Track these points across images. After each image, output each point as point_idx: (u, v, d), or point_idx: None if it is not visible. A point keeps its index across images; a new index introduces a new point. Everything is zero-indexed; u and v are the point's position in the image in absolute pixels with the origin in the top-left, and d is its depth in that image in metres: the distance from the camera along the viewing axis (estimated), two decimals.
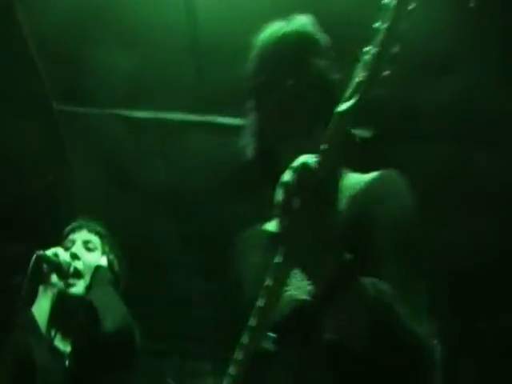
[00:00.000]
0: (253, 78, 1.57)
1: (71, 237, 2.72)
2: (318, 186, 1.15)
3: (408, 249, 1.33)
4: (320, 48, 1.56)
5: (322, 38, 1.58)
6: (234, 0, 3.06)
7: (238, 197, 3.69)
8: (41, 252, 2.48)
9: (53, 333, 2.55)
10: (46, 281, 2.53)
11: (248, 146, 1.61)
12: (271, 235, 1.53)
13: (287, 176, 1.17)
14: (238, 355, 1.28)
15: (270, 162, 1.56)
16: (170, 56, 3.29)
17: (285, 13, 3.01)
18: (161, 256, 3.71)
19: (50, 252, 2.52)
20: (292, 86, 1.48)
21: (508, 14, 2.66)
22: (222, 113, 3.50)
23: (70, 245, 2.68)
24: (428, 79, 2.89)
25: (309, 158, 1.17)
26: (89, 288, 2.57)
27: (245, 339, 1.27)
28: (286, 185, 1.16)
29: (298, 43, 1.52)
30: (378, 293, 1.18)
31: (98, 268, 2.62)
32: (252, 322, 1.26)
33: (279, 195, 1.17)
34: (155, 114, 3.55)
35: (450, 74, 2.83)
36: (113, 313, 2.45)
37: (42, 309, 2.49)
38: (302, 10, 2.96)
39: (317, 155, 1.17)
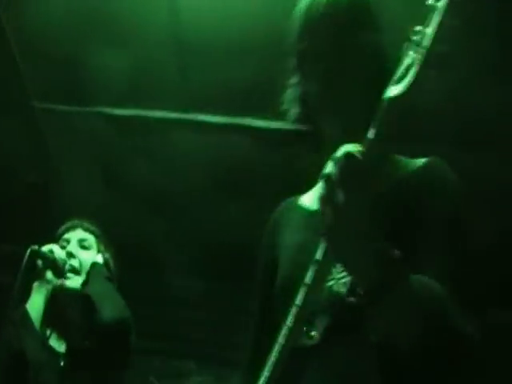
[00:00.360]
0: (299, 39, 1.43)
1: (66, 236, 2.70)
2: (364, 179, 1.05)
3: (462, 242, 1.27)
4: (373, 17, 1.43)
5: (375, 6, 1.45)
6: (217, 1, 3.06)
7: (224, 195, 3.68)
8: (35, 247, 2.46)
9: (48, 332, 2.53)
10: (40, 277, 2.51)
11: (289, 110, 1.50)
12: (308, 213, 1.43)
13: (329, 168, 1.07)
14: (275, 354, 1.21)
15: (312, 129, 1.47)
16: (153, 55, 3.28)
17: (266, 12, 3.05)
18: (147, 255, 3.69)
19: (45, 248, 2.50)
20: (343, 53, 1.35)
21: (506, 10, 2.66)
22: (205, 111, 3.49)
23: (64, 244, 2.66)
24: (427, 78, 2.86)
25: (353, 148, 1.07)
26: (85, 284, 2.56)
27: (281, 337, 1.20)
28: (329, 177, 1.06)
29: (350, 8, 1.38)
30: (426, 289, 1.12)
31: (94, 264, 2.60)
32: (289, 319, 1.18)
33: (321, 188, 1.08)
34: (139, 112, 3.53)
35: (448, 73, 2.80)
36: (111, 303, 2.45)
37: (35, 305, 2.48)
38: (285, 9, 3.01)
39: (362, 144, 1.07)
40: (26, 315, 2.44)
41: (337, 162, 1.06)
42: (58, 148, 3.66)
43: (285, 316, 1.20)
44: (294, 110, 1.48)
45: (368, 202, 1.06)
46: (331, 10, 1.36)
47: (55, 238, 2.71)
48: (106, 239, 2.79)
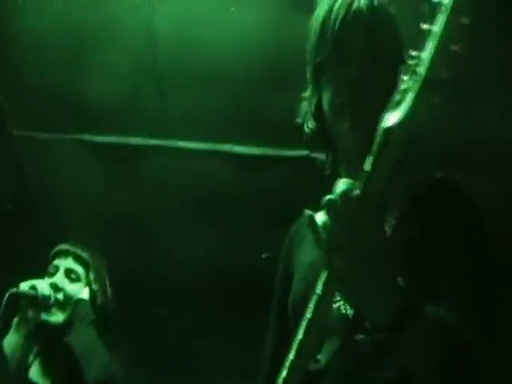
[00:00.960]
0: (318, 49, 1.36)
1: (56, 262, 2.63)
2: (366, 217, 0.98)
3: (482, 279, 1.20)
4: (394, 20, 1.37)
5: (395, 11, 1.39)
6: (195, 27, 3.08)
7: (200, 220, 3.67)
8: (14, 290, 2.39)
9: (29, 362, 2.48)
10: (21, 316, 2.45)
11: (303, 121, 1.46)
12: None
13: (324, 215, 0.99)
14: (285, 372, 1.16)
15: (325, 139, 1.42)
16: (132, 81, 3.27)
17: (245, 40, 3.07)
18: (127, 281, 3.66)
19: (26, 285, 2.43)
20: (364, 67, 1.30)
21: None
22: (185, 138, 3.49)
23: (53, 271, 2.60)
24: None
25: (348, 186, 0.99)
26: (69, 325, 2.49)
27: (292, 355, 1.14)
28: (325, 224, 0.99)
29: (372, 15, 1.32)
30: (441, 321, 1.07)
31: (79, 303, 2.54)
32: (300, 335, 1.13)
33: (320, 233, 1.00)
34: (118, 139, 3.52)
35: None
36: (95, 363, 2.37)
37: (12, 343, 2.42)
38: (264, 36, 3.04)
39: (358, 181, 1.00)
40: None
41: (332, 205, 0.99)
42: (37, 176, 3.63)
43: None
44: (309, 125, 1.44)
45: (375, 239, 0.99)
46: (353, 17, 1.30)
47: (48, 258, 2.65)
48: (98, 265, 2.71)
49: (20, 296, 2.41)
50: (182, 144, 3.49)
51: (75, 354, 2.36)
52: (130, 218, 3.63)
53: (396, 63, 1.20)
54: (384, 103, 1.14)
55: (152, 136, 3.47)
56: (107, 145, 3.50)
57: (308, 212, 1.05)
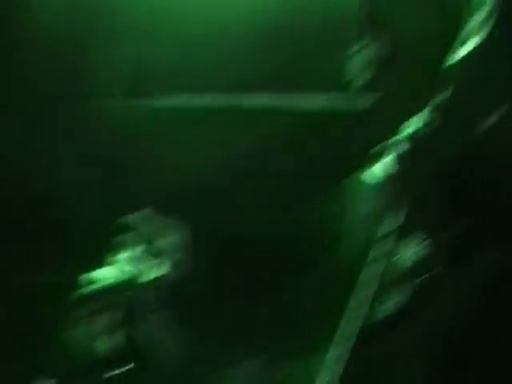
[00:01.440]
0: (362, 8, 1.38)
1: (122, 237, 2.62)
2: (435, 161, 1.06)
3: None
4: None
5: None
6: None
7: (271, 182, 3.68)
8: (75, 295, 2.42)
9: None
10: (85, 312, 2.47)
11: (356, 79, 1.45)
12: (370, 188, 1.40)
13: (396, 151, 1.10)
14: (339, 338, 1.19)
15: (375, 92, 1.40)
16: (192, 41, 3.28)
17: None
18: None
19: (87, 279, 2.43)
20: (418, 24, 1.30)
21: None
22: (250, 96, 3.48)
23: (118, 248, 2.58)
24: None
25: (415, 127, 1.08)
26: (135, 311, 2.51)
27: (345, 322, 1.19)
28: (398, 158, 1.08)
29: None
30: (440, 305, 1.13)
31: (146, 284, 2.55)
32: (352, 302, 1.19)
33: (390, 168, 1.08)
34: (181, 102, 3.54)
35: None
36: (161, 357, 2.40)
37: (78, 335, 2.44)
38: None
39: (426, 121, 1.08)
40: None
41: (402, 143, 1.07)
42: (92, 143, 3.70)
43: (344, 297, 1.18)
44: (362, 77, 1.41)
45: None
46: None
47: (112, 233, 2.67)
48: (173, 239, 2.70)
49: (83, 297, 2.43)
50: (247, 102, 3.47)
51: (140, 345, 2.39)
52: (195, 184, 3.67)
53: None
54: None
55: (215, 96, 3.48)
56: (167, 108, 3.51)
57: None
